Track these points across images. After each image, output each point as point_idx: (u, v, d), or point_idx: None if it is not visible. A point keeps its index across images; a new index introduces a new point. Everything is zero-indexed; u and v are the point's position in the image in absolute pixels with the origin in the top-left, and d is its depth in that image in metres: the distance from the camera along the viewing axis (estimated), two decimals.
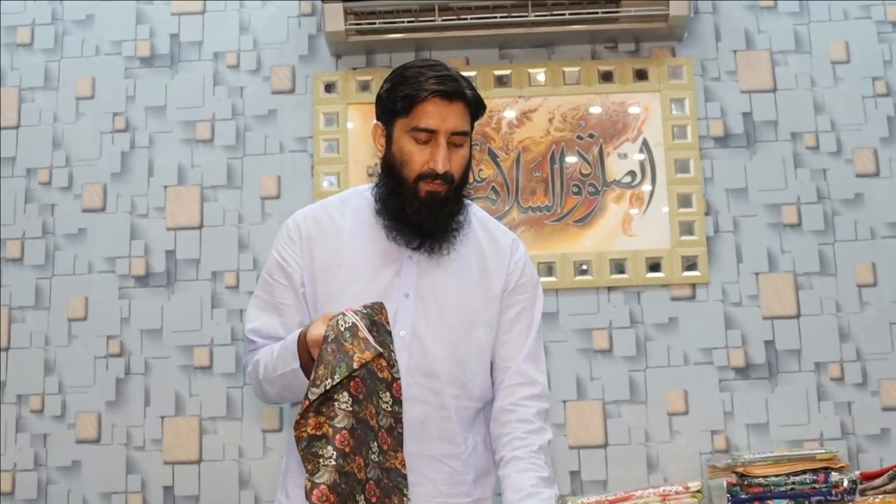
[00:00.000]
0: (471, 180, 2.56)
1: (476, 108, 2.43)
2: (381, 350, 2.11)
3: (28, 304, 3.70)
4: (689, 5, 3.64)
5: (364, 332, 2.10)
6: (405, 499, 2.18)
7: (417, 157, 2.35)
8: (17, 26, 3.91)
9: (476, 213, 2.56)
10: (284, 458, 2.51)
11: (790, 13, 3.85)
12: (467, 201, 2.51)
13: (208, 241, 3.74)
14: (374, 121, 2.46)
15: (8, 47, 3.89)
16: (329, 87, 3.80)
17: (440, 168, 2.33)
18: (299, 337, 2.22)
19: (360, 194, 2.52)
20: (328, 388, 2.05)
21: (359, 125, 3.76)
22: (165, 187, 3.78)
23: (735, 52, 3.83)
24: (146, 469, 3.59)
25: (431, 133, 2.34)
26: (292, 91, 3.83)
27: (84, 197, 3.77)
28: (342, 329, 2.09)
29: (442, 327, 2.36)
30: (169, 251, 3.73)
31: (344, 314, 2.11)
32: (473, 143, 3.68)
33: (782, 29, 3.84)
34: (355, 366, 2.06)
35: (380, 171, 2.46)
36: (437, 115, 2.34)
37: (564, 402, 3.60)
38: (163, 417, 3.62)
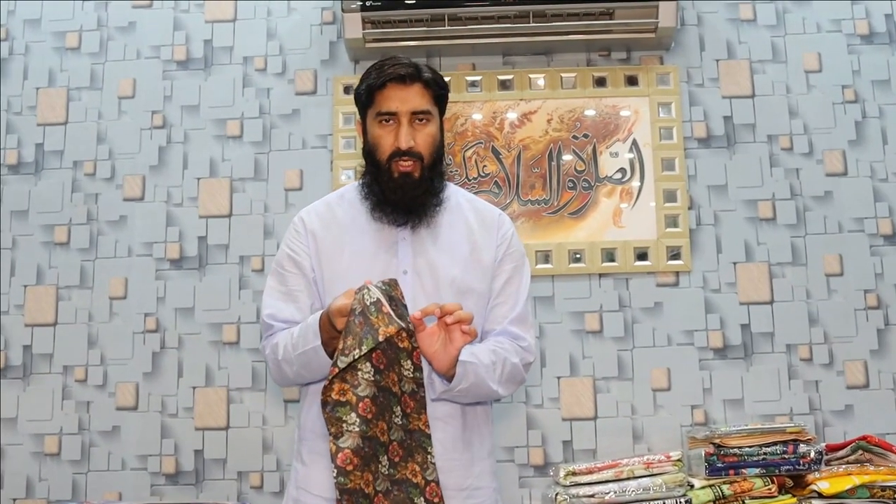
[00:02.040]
0: (448, 160, 2.55)
1: (436, 88, 2.44)
2: (402, 325, 2.11)
3: (74, 284, 3.72)
4: (677, 18, 3.64)
5: (387, 307, 2.11)
6: (429, 455, 2.19)
7: (385, 140, 2.40)
8: (66, 32, 3.91)
9: (463, 194, 2.58)
10: (297, 430, 2.51)
11: (768, 26, 3.84)
12: (451, 184, 2.53)
13: (236, 229, 3.74)
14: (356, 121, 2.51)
15: (57, 51, 3.90)
16: (348, 89, 3.80)
17: (403, 144, 2.36)
18: (321, 316, 2.22)
19: (356, 188, 2.54)
20: (356, 357, 2.05)
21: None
22: (198, 179, 3.78)
23: (717, 60, 3.82)
24: (179, 434, 3.60)
25: (393, 115, 2.38)
26: (314, 92, 3.83)
27: (125, 187, 3.78)
28: (368, 304, 2.09)
29: (438, 300, 2.35)
30: (201, 237, 3.74)
31: (368, 289, 2.11)
32: (478, 141, 3.70)
33: (761, 40, 3.83)
34: (381, 339, 2.07)
35: (364, 162, 2.49)
36: (396, 98, 2.38)
37: (558, 378, 3.60)
38: (194, 388, 3.63)
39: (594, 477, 3.17)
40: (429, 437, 2.20)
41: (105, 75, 3.88)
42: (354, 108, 3.68)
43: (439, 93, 2.46)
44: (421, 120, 2.40)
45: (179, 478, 3.57)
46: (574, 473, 3.18)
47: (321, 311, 2.25)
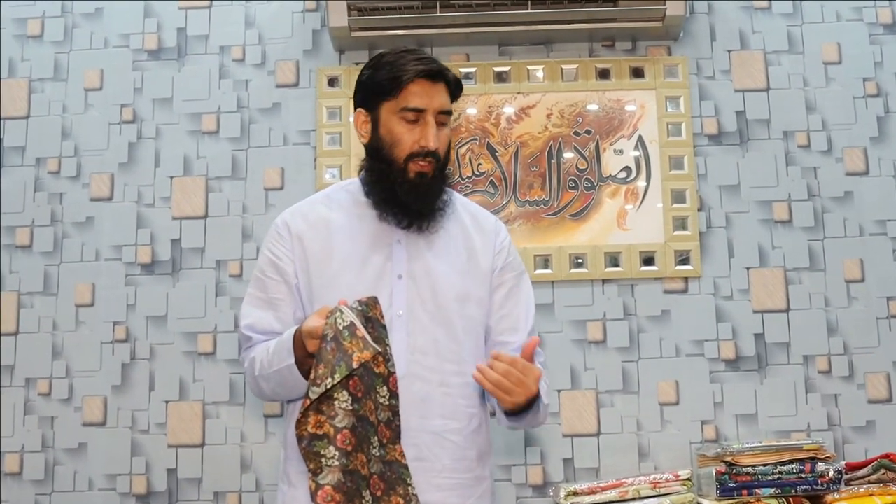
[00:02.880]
0: (452, 160, 2.56)
1: (456, 90, 2.45)
2: (379, 349, 2.11)
3: (37, 290, 3.71)
4: (686, 5, 3.65)
5: (362, 330, 2.10)
6: (410, 488, 2.18)
7: (407, 137, 2.37)
8: (28, 18, 3.91)
9: (458, 197, 2.59)
10: (282, 449, 2.50)
11: (784, 14, 3.85)
12: (449, 183, 2.53)
13: (213, 231, 3.74)
14: (356, 109, 2.47)
15: (18, 39, 3.89)
16: (332, 82, 3.80)
17: (432, 145, 2.36)
18: (295, 333, 2.22)
19: (344, 188, 2.54)
20: (329, 387, 2.05)
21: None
22: (171, 178, 3.78)
23: (729, 51, 3.83)
24: (150, 452, 3.60)
25: (420, 112, 2.37)
26: (296, 85, 3.83)
27: (92, 186, 3.77)
28: (341, 328, 2.08)
29: (435, 306, 2.37)
30: (174, 240, 3.73)
31: (341, 311, 2.10)
32: (473, 137, 3.69)
33: (776, 29, 3.84)
34: (355, 365, 2.06)
35: (366, 157, 2.47)
36: (425, 94, 2.37)
37: (559, 391, 3.60)
38: (167, 402, 3.63)
39: (597, 497, 3.18)
40: (406, 467, 2.20)
41: (70, 65, 3.88)
42: (339, 102, 3.73)
43: (456, 94, 2.47)
44: (442, 121, 2.40)
45: (151, 499, 3.57)
46: (575, 494, 3.19)
47: (295, 328, 2.25)
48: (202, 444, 3.60)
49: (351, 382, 2.09)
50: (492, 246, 2.52)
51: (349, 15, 3.62)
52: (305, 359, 2.19)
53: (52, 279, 3.71)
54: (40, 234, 3.74)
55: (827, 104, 3.77)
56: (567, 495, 3.19)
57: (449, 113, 2.42)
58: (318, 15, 3.87)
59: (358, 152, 3.72)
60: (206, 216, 3.74)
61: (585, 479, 3.49)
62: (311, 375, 2.05)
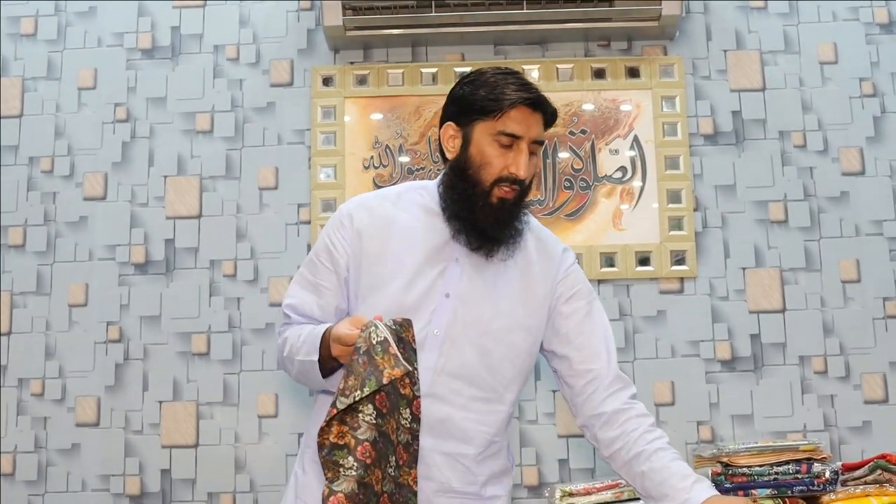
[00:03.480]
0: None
1: (551, 121, 2.44)
2: (409, 368, 2.11)
3: (29, 290, 3.72)
4: (681, 5, 3.66)
5: (394, 348, 2.10)
6: None
7: (498, 161, 2.34)
8: (21, 17, 3.91)
9: (529, 220, 2.53)
10: (304, 436, 2.51)
11: (780, 14, 3.86)
12: (528, 210, 2.50)
13: (207, 231, 3.74)
14: (445, 122, 2.43)
15: (11, 38, 3.90)
16: (327, 81, 3.81)
17: (522, 174, 2.33)
18: (325, 332, 2.23)
19: (421, 189, 2.51)
20: (356, 399, 2.05)
21: (355, 118, 3.78)
22: (165, 177, 3.79)
23: (725, 51, 3.84)
24: (144, 452, 3.60)
25: (516, 139, 2.34)
26: (290, 84, 3.84)
27: (85, 185, 3.78)
28: (374, 342, 2.09)
29: (476, 331, 2.34)
30: (168, 240, 3.74)
31: (376, 326, 2.11)
32: None
33: (772, 29, 3.85)
34: (385, 381, 2.06)
35: (448, 171, 2.43)
36: (524, 121, 2.34)
37: (554, 392, 3.61)
38: (161, 402, 3.64)
39: (592, 498, 3.17)
40: (415, 494, 2.20)
41: (63, 64, 3.89)
42: (333, 101, 3.75)
43: (551, 123, 2.45)
44: (535, 150, 2.38)
45: (144, 499, 3.57)
46: (571, 494, 3.19)
47: (326, 326, 2.25)
48: (196, 445, 3.60)
49: (378, 397, 2.08)
50: (554, 273, 2.49)
51: (344, 14, 3.62)
52: (328, 359, 2.20)
53: (45, 279, 3.72)
54: (33, 234, 3.75)
55: (823, 104, 3.78)
56: (562, 496, 3.19)
57: (542, 143, 2.40)
58: (313, 14, 3.87)
59: (353, 151, 3.74)
60: (200, 216, 3.75)
61: (580, 479, 3.50)
62: (341, 385, 2.06)
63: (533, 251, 2.49)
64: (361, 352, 2.08)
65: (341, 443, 2.08)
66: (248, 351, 3.65)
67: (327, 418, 2.07)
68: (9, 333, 3.69)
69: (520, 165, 2.33)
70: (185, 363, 3.66)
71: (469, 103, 2.39)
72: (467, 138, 2.39)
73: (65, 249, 3.74)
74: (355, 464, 2.06)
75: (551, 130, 3.68)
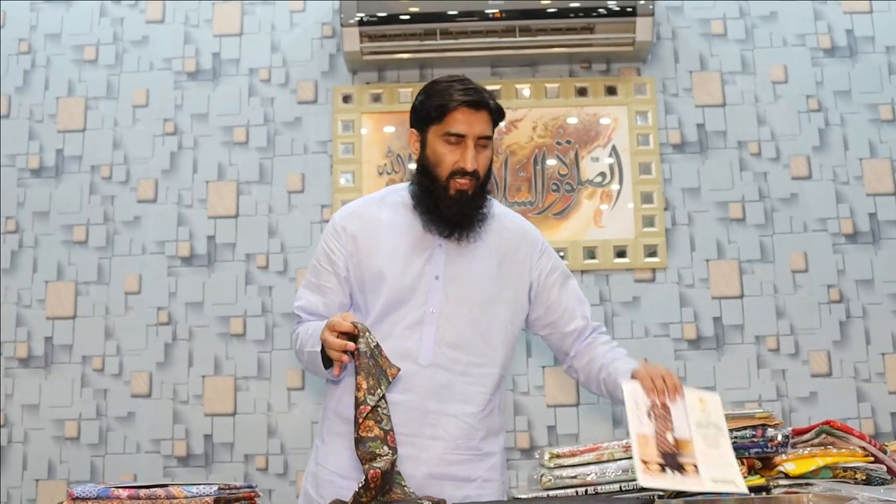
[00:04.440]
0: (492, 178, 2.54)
1: (498, 116, 2.43)
2: (399, 368, 2.13)
3: (91, 280, 3.70)
4: (653, 32, 3.64)
5: (384, 351, 2.13)
6: (406, 488, 2.16)
7: (449, 158, 2.36)
8: (84, 45, 3.89)
9: (500, 208, 2.56)
10: (322, 410, 2.51)
11: (738, 40, 3.83)
12: (489, 197, 2.50)
13: (243, 228, 3.73)
14: (410, 129, 2.46)
15: (76, 63, 3.88)
16: (346, 99, 3.79)
17: (469, 167, 2.34)
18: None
19: (397, 192, 2.52)
20: (381, 394, 2.08)
21: (371, 131, 3.75)
22: (207, 182, 3.77)
23: (691, 72, 3.81)
24: (189, 420, 3.59)
25: (461, 137, 2.35)
26: (315, 101, 3.81)
27: (139, 190, 3.76)
28: (373, 346, 2.11)
29: (465, 306, 2.37)
30: (210, 236, 3.72)
31: (368, 331, 2.13)
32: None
33: (731, 53, 3.82)
34: (390, 379, 2.10)
35: (415, 172, 2.46)
36: (467, 121, 2.35)
37: (543, 367, 3.59)
38: (203, 376, 3.62)
39: (576, 459, 3.14)
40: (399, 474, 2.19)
41: (120, 85, 3.87)
42: (352, 117, 3.73)
43: (498, 120, 2.45)
44: (483, 144, 2.38)
45: (190, 460, 3.56)
46: (558, 456, 3.16)
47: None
48: (234, 413, 3.60)
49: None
50: (530, 252, 2.50)
51: (361, 41, 3.61)
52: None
53: (105, 270, 3.71)
54: (94, 232, 3.73)
55: (775, 118, 3.76)
56: (551, 457, 3.16)
57: (489, 137, 2.39)
58: (334, 41, 3.86)
59: (369, 159, 3.72)
60: (237, 215, 3.73)
61: (566, 443, 3.46)
62: (364, 386, 2.06)
63: (507, 233, 2.49)
64: (367, 355, 2.09)
65: (372, 435, 2.08)
66: (279, 332, 3.63)
67: (363, 415, 2.06)
68: (74, 317, 3.67)
69: (467, 160, 2.34)
70: (225, 343, 3.64)
71: (423, 111, 2.41)
72: (424, 142, 2.41)
73: (121, 245, 3.72)
74: (389, 451, 2.07)
75: (540, 141, 3.70)
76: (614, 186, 3.70)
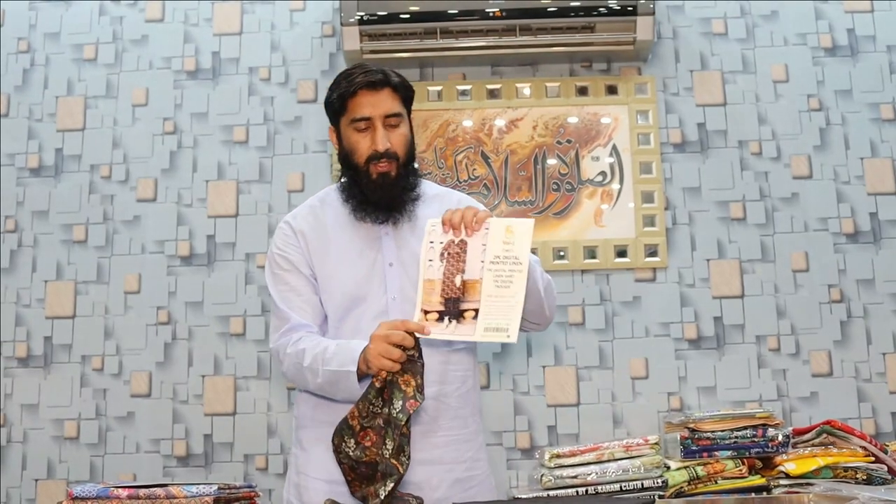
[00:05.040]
0: (418, 156, 2.53)
1: (404, 91, 2.41)
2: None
3: (91, 279, 3.70)
4: (653, 31, 3.63)
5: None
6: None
7: (362, 144, 2.36)
8: (84, 44, 3.89)
9: (432, 186, 2.57)
10: (294, 418, 2.49)
11: (739, 39, 3.84)
12: (424, 179, 2.51)
13: (242, 228, 3.73)
14: (329, 127, 2.47)
15: (75, 62, 3.88)
16: None
17: (380, 147, 2.33)
18: (363, 350, 2.18)
19: (335, 190, 2.52)
20: (423, 399, 2.10)
21: None
22: (207, 181, 3.77)
23: (692, 71, 3.82)
24: (189, 419, 3.59)
25: (368, 120, 2.35)
26: (315, 101, 3.81)
27: (138, 189, 3.77)
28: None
29: None
30: (209, 235, 3.73)
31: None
32: (469, 146, 3.69)
33: (732, 53, 3.83)
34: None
35: (340, 165, 2.47)
36: (368, 103, 2.35)
37: (543, 367, 3.60)
38: (203, 376, 3.63)
39: (577, 459, 3.16)
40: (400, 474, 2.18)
41: (120, 85, 3.87)
42: None
43: (407, 95, 2.44)
44: (393, 123, 2.37)
45: (190, 460, 3.56)
46: (558, 456, 3.17)
47: (362, 344, 2.19)
48: (234, 413, 3.60)
49: (385, 392, 2.11)
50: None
51: (361, 40, 3.61)
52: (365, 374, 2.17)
53: (104, 270, 3.71)
54: (94, 231, 3.73)
55: (776, 117, 3.76)
56: (551, 457, 3.18)
57: (397, 114, 2.38)
58: (335, 40, 3.86)
59: None
60: (236, 215, 3.74)
61: (567, 443, 3.49)
62: (413, 383, 2.08)
63: (446, 207, 2.43)
64: (415, 358, 2.10)
65: (351, 422, 2.09)
66: None
67: (413, 409, 2.07)
68: (73, 317, 3.68)
69: (377, 141, 2.34)
70: (224, 342, 3.64)
71: (329, 105, 2.43)
72: (339, 134, 2.43)
73: (121, 244, 3.73)
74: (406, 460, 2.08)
75: (540, 140, 3.71)
76: (615, 186, 3.71)
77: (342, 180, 2.48)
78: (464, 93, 3.78)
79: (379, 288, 2.36)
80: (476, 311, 2.13)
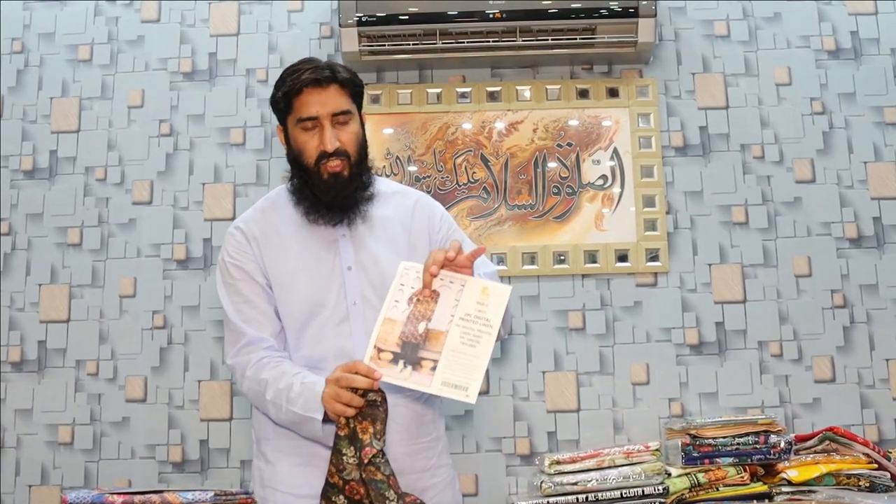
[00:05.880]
0: (371, 157, 2.47)
1: (353, 87, 2.36)
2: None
3: (86, 283, 3.70)
4: (655, 33, 3.63)
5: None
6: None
7: (310, 144, 2.31)
8: (79, 45, 3.89)
9: (388, 184, 2.53)
10: (254, 430, 2.44)
11: (741, 41, 3.84)
12: (377, 176, 2.47)
13: None
14: (277, 126, 2.43)
15: (70, 63, 3.89)
16: None
17: (329, 147, 2.28)
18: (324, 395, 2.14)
19: (285, 192, 2.47)
20: (384, 444, 2.09)
21: (370, 133, 3.71)
22: (203, 184, 3.77)
23: (693, 74, 3.82)
24: (185, 425, 3.59)
25: (314, 119, 2.30)
26: None
27: (134, 192, 3.77)
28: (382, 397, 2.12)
29: (385, 289, 2.25)
30: (206, 239, 3.72)
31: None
32: (468, 149, 3.69)
33: (734, 55, 3.83)
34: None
35: (290, 166, 2.42)
36: (314, 102, 2.30)
37: (543, 372, 3.60)
38: (199, 381, 3.62)
39: (577, 466, 3.17)
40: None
41: (115, 86, 3.87)
42: None
43: (356, 90, 2.39)
44: (342, 120, 2.33)
45: (186, 466, 3.56)
46: (558, 462, 3.18)
47: (320, 382, 2.16)
48: (230, 419, 3.59)
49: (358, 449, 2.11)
50: (428, 224, 2.46)
51: (359, 42, 3.60)
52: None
53: (99, 273, 3.71)
54: (89, 234, 3.73)
55: (779, 120, 3.76)
56: (551, 464, 3.19)
57: (346, 112, 2.32)
58: (333, 41, 3.86)
59: None
60: (233, 218, 3.65)
61: (567, 449, 3.49)
62: (370, 430, 2.05)
63: (404, 208, 2.46)
64: (377, 404, 2.09)
65: (377, 478, 2.06)
66: None
67: (368, 457, 2.05)
68: (68, 321, 3.68)
69: (325, 141, 2.29)
70: (221, 347, 3.62)
71: (276, 105, 2.38)
72: (287, 134, 2.38)
73: (116, 247, 3.73)
74: (395, 496, 2.06)
75: (541, 143, 3.71)
76: (616, 189, 3.71)
77: (292, 181, 2.43)
78: (463, 95, 3.78)
79: (339, 293, 2.32)
80: (435, 362, 2.11)
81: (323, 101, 2.31)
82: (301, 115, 2.32)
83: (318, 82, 2.31)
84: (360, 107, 2.43)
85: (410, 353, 2.12)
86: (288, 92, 2.33)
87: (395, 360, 2.12)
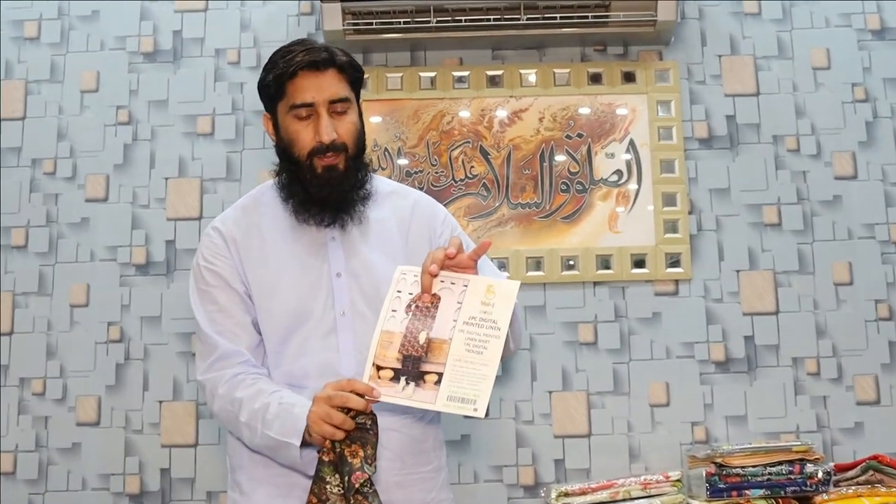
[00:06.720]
0: (368, 148, 2.45)
1: (352, 72, 2.35)
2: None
3: (31, 290, 3.69)
4: (677, 11, 3.64)
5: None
6: None
7: (304, 135, 2.29)
8: (24, 20, 3.89)
9: (386, 182, 2.52)
10: (229, 458, 2.44)
11: (774, 20, 3.85)
12: (372, 173, 2.46)
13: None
14: (263, 113, 2.42)
15: (15, 41, 3.88)
16: None
17: (326, 138, 2.27)
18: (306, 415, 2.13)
19: (270, 188, 2.45)
20: (375, 469, 2.07)
21: None
22: (166, 179, 3.77)
23: (720, 56, 3.83)
24: (144, 451, 3.58)
25: (310, 107, 2.28)
26: None
27: (87, 187, 3.76)
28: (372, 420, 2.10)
29: (377, 299, 2.25)
30: (169, 241, 3.72)
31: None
32: (466, 140, 3.69)
33: (766, 35, 3.84)
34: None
35: (278, 158, 2.40)
36: (311, 87, 2.28)
37: (550, 392, 3.60)
38: (161, 402, 3.61)
39: (588, 498, 3.17)
40: None
41: (66, 67, 3.87)
42: None
43: (355, 76, 2.37)
44: (340, 109, 2.31)
45: (144, 498, 3.55)
46: (566, 494, 3.19)
47: (305, 407, 2.15)
48: (195, 444, 3.58)
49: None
50: (428, 228, 2.46)
51: (343, 19, 3.60)
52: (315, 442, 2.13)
53: (47, 279, 3.70)
54: (35, 235, 3.72)
55: (816, 109, 3.77)
56: (558, 496, 3.19)
57: (345, 100, 2.32)
58: (314, 18, 3.86)
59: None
60: (200, 217, 3.72)
61: (576, 479, 3.49)
62: (361, 454, 2.04)
63: (402, 209, 2.45)
64: (366, 427, 2.08)
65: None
66: None
67: (359, 482, 2.03)
68: (10, 333, 3.67)
69: (321, 131, 2.27)
70: (186, 363, 3.63)
71: (265, 90, 2.36)
72: (276, 123, 2.36)
73: (66, 250, 3.72)
74: None
75: (547, 134, 3.71)
76: (632, 186, 3.72)
77: (280, 176, 2.41)
78: (460, 80, 3.78)
79: (326, 302, 2.30)
80: (439, 374, 2.11)
81: (320, 87, 2.29)
82: (295, 100, 2.29)
83: (315, 65, 2.29)
84: (358, 95, 2.42)
85: (412, 367, 2.12)
86: (280, 75, 2.30)
87: (395, 378, 2.11)
